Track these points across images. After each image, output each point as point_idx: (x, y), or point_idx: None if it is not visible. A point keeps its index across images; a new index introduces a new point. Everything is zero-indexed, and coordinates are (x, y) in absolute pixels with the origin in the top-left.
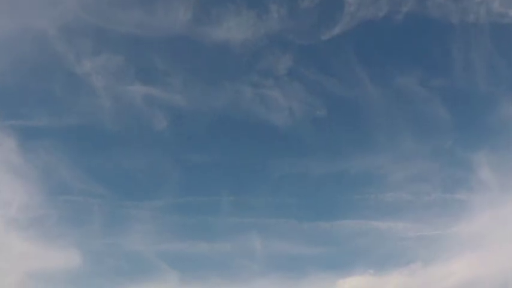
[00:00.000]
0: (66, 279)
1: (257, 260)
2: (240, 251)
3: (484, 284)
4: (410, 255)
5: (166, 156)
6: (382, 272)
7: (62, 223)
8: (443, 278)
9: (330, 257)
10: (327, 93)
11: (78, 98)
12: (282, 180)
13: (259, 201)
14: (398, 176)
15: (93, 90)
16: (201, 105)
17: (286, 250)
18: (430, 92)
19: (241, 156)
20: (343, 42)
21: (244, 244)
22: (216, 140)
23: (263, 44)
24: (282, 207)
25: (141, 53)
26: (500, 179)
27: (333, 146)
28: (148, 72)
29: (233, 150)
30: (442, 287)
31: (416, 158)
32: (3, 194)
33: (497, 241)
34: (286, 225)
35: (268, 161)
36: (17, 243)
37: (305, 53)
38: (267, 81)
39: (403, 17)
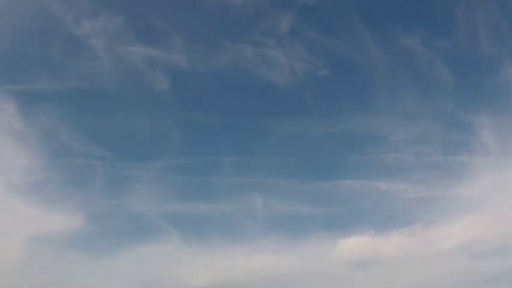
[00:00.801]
0: (70, 242)
1: (259, 220)
2: (241, 211)
3: (484, 246)
4: (411, 216)
5: (167, 117)
6: (382, 232)
7: (64, 186)
8: (444, 239)
9: (331, 217)
10: (328, 53)
11: (78, 60)
12: (283, 140)
13: (260, 162)
14: (400, 136)
15: (93, 52)
16: (202, 66)
17: (288, 210)
18: (432, 53)
19: (243, 116)
20: (345, 1)
21: (245, 204)
22: (217, 100)
23: (264, 3)
24: (283, 167)
25: (141, 14)
26: (502, 142)
27: (335, 106)
28: (148, 32)
29: (234, 111)
30: (442, 248)
31: (418, 119)
32: (4, 159)
33: (497, 204)
34: (288, 185)
35: (270, 121)
36: (19, 208)
37: (307, 12)
38: (269, 41)
39: None
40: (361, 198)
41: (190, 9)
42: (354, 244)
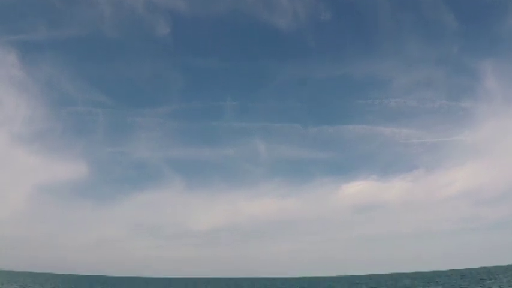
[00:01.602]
0: (74, 190)
1: (261, 164)
2: (244, 155)
3: (486, 193)
4: (414, 162)
5: (169, 63)
6: (385, 177)
7: (67, 135)
8: (446, 185)
9: (334, 162)
10: None
11: (77, 7)
12: (286, 84)
13: (263, 106)
14: (403, 81)
15: None
16: (204, 10)
17: (290, 154)
18: None
19: (245, 61)
20: None
21: (248, 149)
22: (219, 45)
23: None
24: (286, 112)
25: None
26: (506, 89)
27: (338, 50)
28: None
29: (236, 55)
30: (444, 194)
31: (422, 63)
32: (6, 110)
33: (500, 150)
34: (290, 129)
35: (272, 65)
36: (23, 157)
37: None
38: None
39: None
40: (364, 143)
41: None
42: (357, 189)
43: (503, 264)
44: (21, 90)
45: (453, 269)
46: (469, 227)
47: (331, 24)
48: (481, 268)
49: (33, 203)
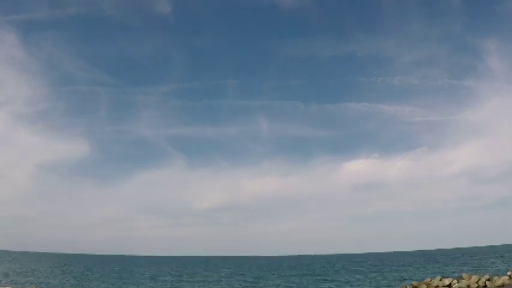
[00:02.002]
0: (76, 169)
1: (263, 142)
2: (246, 134)
3: (487, 172)
4: (416, 140)
5: (171, 41)
6: (387, 155)
7: (69, 114)
8: (448, 163)
9: (336, 140)
10: None
11: None
12: (288, 62)
13: (265, 84)
14: (406, 59)
15: None
16: None
17: (292, 132)
18: None
19: (247, 38)
20: None
21: (250, 127)
22: (221, 23)
23: None
24: (288, 90)
25: None
26: (509, 68)
27: (340, 28)
28: None
29: (238, 33)
30: (446, 173)
31: (425, 42)
32: (8, 90)
33: (502, 129)
34: (292, 107)
35: (275, 43)
36: (25, 137)
37: None
38: None
39: None
40: (366, 121)
41: None
42: (358, 167)
43: (507, 243)
44: (23, 70)
45: (455, 248)
46: (470, 206)
47: (334, 3)
48: (489, 247)
49: (36, 182)
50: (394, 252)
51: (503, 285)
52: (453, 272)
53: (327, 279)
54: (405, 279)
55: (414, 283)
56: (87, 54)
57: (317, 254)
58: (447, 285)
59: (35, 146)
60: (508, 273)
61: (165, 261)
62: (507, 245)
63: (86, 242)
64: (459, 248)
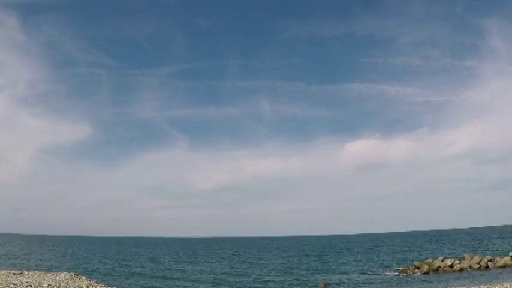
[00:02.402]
0: (78, 151)
1: (265, 123)
2: (248, 114)
3: (489, 153)
4: (417, 121)
5: (171, 22)
6: (388, 136)
7: (70, 96)
8: (450, 144)
9: (338, 121)
10: None
11: None
12: (289, 42)
13: (266, 65)
14: (408, 39)
15: None
16: None
17: (294, 113)
18: None
19: (248, 18)
20: None
21: (252, 108)
22: (223, 3)
23: None
24: (289, 70)
25: None
26: (511, 48)
27: (342, 7)
28: None
29: (239, 13)
30: (447, 154)
31: (426, 21)
32: (9, 73)
33: (504, 110)
34: (294, 88)
35: (276, 23)
36: (26, 120)
37: None
38: None
39: None
40: (367, 102)
41: None
42: (360, 148)
43: (507, 224)
44: (23, 53)
45: (456, 228)
46: (471, 187)
47: None
48: (488, 227)
49: (38, 165)
50: (395, 232)
51: (505, 266)
52: (453, 252)
53: (327, 260)
54: (407, 260)
55: (416, 263)
56: (88, 36)
57: (319, 234)
58: (449, 266)
59: (36, 129)
60: (510, 254)
61: (168, 242)
62: (507, 225)
63: (88, 223)
64: (459, 229)
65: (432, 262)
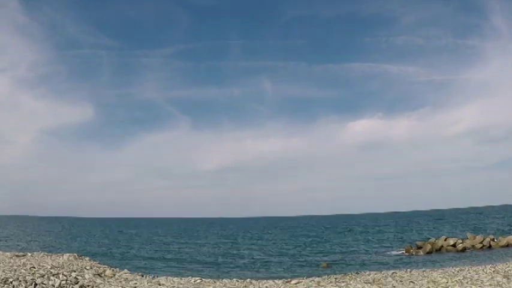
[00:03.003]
0: (80, 133)
1: (267, 103)
2: (250, 95)
3: (491, 132)
4: (420, 100)
5: (173, 2)
6: (391, 115)
7: (72, 78)
8: (452, 123)
9: (340, 100)
10: None
11: None
12: (291, 22)
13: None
14: (410, 19)
15: None
16: None
17: (297, 93)
18: None
19: None
20: None
21: (254, 88)
22: None
23: None
24: (291, 50)
25: None
26: None
27: None
28: None
29: None
30: (450, 133)
31: (428, 1)
32: (11, 55)
33: (507, 89)
34: (296, 68)
35: (277, 2)
36: (28, 102)
37: None
38: None
39: None
40: (370, 81)
41: None
42: (363, 127)
43: (508, 203)
44: (25, 35)
45: (457, 208)
46: (473, 166)
47: None
48: (488, 207)
49: (40, 147)
50: (397, 212)
51: (507, 245)
52: (453, 232)
53: (330, 240)
54: (409, 240)
55: (419, 243)
56: (90, 17)
57: (321, 214)
58: (452, 245)
59: (38, 110)
60: None
61: (170, 223)
62: (507, 205)
63: (90, 205)
64: (460, 209)
65: (435, 242)
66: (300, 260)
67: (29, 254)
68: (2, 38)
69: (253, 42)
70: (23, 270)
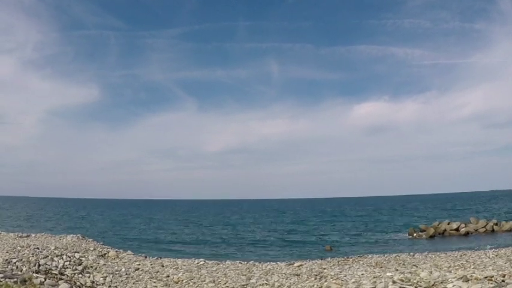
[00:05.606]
0: (86, 114)
1: (274, 85)
2: (256, 76)
3: (497, 116)
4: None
5: None
6: (397, 98)
7: (79, 59)
8: (458, 107)
9: (346, 83)
10: None
11: None
12: (298, 4)
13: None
14: (417, 2)
15: None
16: None
17: (303, 75)
18: None
19: None
20: None
21: (260, 70)
22: None
23: None
24: (298, 32)
25: None
26: None
27: None
28: None
29: None
30: (456, 117)
31: None
32: (17, 35)
33: None
34: (303, 50)
35: None
36: (34, 83)
37: None
38: None
39: None
40: (376, 64)
41: None
42: (369, 110)
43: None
44: (32, 15)
45: (463, 192)
46: (479, 150)
47: None
48: (491, 191)
49: (46, 127)
50: (403, 195)
51: (510, 230)
52: (451, 214)
53: (334, 222)
54: (412, 223)
55: (422, 226)
56: None
57: (326, 196)
58: (455, 229)
59: (45, 91)
60: None
61: (175, 204)
62: (511, 190)
63: (96, 186)
64: (466, 193)
65: (438, 225)
66: (303, 242)
67: (33, 235)
68: (9, 18)
69: (259, 23)
70: (26, 251)
